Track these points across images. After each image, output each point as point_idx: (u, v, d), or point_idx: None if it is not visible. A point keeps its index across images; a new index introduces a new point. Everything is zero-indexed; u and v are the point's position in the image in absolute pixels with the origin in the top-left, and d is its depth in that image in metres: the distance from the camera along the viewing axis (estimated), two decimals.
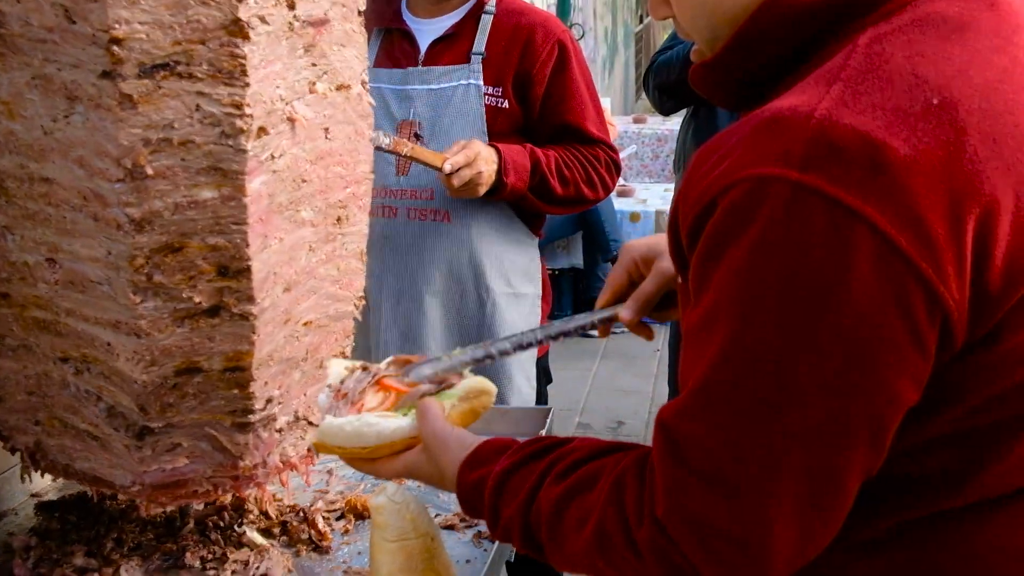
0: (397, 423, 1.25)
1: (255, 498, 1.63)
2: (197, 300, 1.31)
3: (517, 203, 2.49)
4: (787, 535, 0.93)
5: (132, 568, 1.49)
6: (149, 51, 1.21)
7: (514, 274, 2.56)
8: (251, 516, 1.62)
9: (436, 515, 1.58)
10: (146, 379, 1.33)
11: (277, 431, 1.46)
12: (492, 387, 1.30)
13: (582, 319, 1.37)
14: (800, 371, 0.89)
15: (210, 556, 1.52)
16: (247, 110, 1.25)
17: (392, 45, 2.52)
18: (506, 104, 2.44)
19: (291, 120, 1.34)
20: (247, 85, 1.25)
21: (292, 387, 1.47)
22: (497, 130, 2.43)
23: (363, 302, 1.63)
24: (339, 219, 1.51)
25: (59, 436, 1.47)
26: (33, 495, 1.75)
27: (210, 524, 1.58)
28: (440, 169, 2.32)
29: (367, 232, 1.59)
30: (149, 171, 1.23)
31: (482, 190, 2.36)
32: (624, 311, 1.34)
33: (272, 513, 1.63)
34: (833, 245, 0.88)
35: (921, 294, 0.88)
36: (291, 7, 1.32)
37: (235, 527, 1.58)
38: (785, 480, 0.91)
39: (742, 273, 0.91)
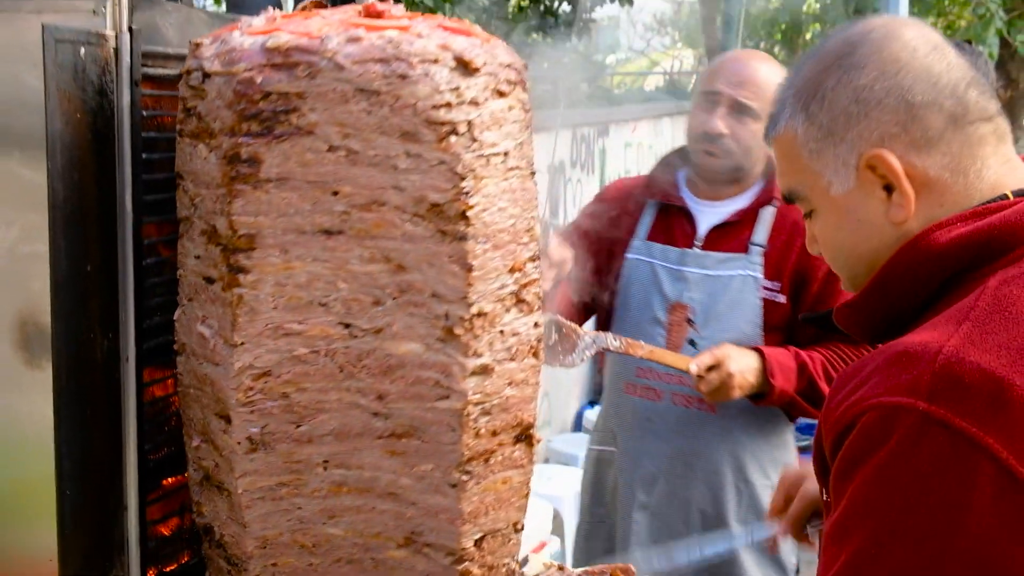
0: None
1: None
2: None
3: (787, 409, 2.40)
4: None
5: None
6: None
7: (772, 466, 2.46)
8: None
9: None
10: None
11: None
12: None
13: (742, 538, 1.87)
14: None
15: None
16: None
17: (669, 221, 2.52)
18: (783, 299, 2.38)
19: None
20: None
21: None
22: (772, 324, 2.37)
23: None
24: None
25: None
26: None
27: None
28: (686, 372, 2.30)
29: None
30: None
31: (736, 393, 2.27)
32: (779, 529, 1.63)
33: None
34: (956, 473, 0.95)
35: None
36: None
37: None
38: None
39: (872, 492, 0.99)
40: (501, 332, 1.48)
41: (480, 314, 1.44)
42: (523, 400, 1.53)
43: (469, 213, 1.40)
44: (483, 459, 1.49)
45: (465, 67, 1.41)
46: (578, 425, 5.87)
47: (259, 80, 1.37)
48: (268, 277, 1.42)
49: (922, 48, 1.16)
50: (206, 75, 1.41)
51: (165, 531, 1.64)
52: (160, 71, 1.52)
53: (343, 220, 1.41)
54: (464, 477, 1.47)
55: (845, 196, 1.16)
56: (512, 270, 1.48)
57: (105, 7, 1.42)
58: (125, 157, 1.46)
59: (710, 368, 2.25)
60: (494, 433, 1.50)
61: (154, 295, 1.54)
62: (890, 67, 1.14)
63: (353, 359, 1.44)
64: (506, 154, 1.45)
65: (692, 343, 2.39)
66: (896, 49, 1.15)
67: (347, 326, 1.44)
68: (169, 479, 1.63)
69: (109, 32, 1.42)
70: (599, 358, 2.48)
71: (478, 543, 1.53)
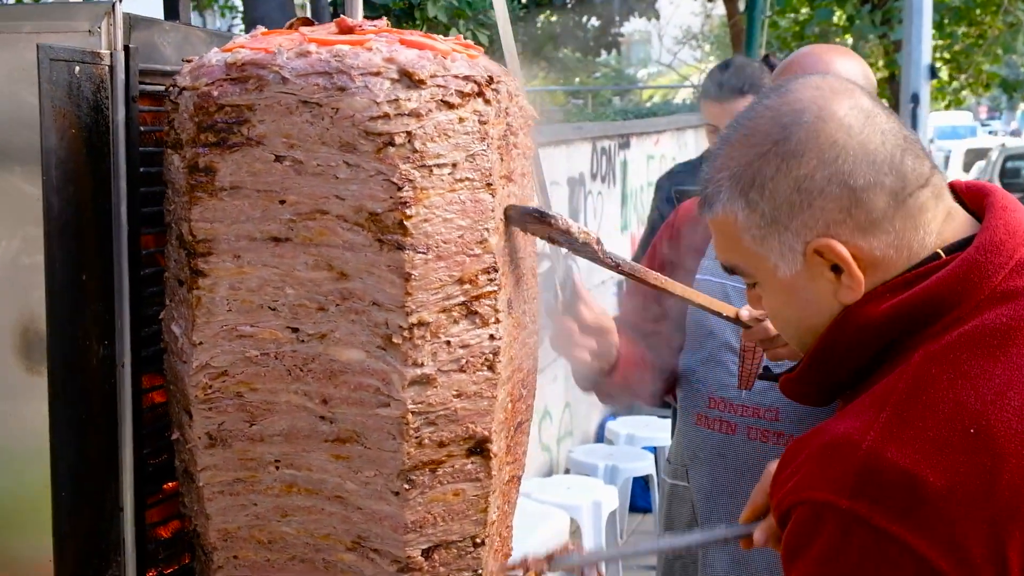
0: None
1: None
2: None
3: None
4: None
5: None
6: None
7: None
8: None
9: None
10: None
11: None
12: None
13: (721, 533, 1.60)
14: None
15: None
16: None
17: None
18: None
19: None
20: None
21: None
22: None
23: None
24: None
25: None
26: None
27: None
28: (734, 320, 1.93)
29: None
30: None
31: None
32: (757, 533, 1.46)
33: None
34: (881, 570, 1.02)
35: None
36: None
37: None
38: None
39: None
40: (447, 343, 1.48)
41: (421, 323, 1.45)
42: (476, 413, 1.52)
43: (407, 223, 1.42)
44: (428, 469, 1.49)
45: (409, 79, 1.43)
46: (600, 436, 5.87)
47: (215, 94, 1.46)
48: (223, 281, 1.49)
49: (856, 123, 1.13)
50: (181, 90, 1.51)
51: (165, 533, 1.72)
52: (158, 88, 1.64)
53: (290, 228, 1.46)
54: (406, 486, 1.48)
55: (792, 278, 1.17)
56: (461, 281, 1.48)
57: (100, 27, 1.54)
58: (120, 171, 1.57)
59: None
60: (441, 444, 1.50)
61: (152, 304, 1.64)
62: (828, 153, 1.12)
63: (300, 362, 1.49)
64: (454, 165, 1.46)
65: (767, 370, 2.25)
66: (832, 131, 1.13)
67: (295, 330, 1.49)
68: (170, 483, 1.71)
69: (104, 51, 1.55)
70: (670, 384, 2.39)
71: (427, 554, 1.53)
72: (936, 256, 1.13)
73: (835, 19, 8.97)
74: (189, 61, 1.56)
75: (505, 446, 1.66)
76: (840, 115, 1.13)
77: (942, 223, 1.16)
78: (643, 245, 4.20)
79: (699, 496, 2.38)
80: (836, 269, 1.14)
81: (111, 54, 1.56)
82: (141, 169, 1.62)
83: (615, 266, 1.66)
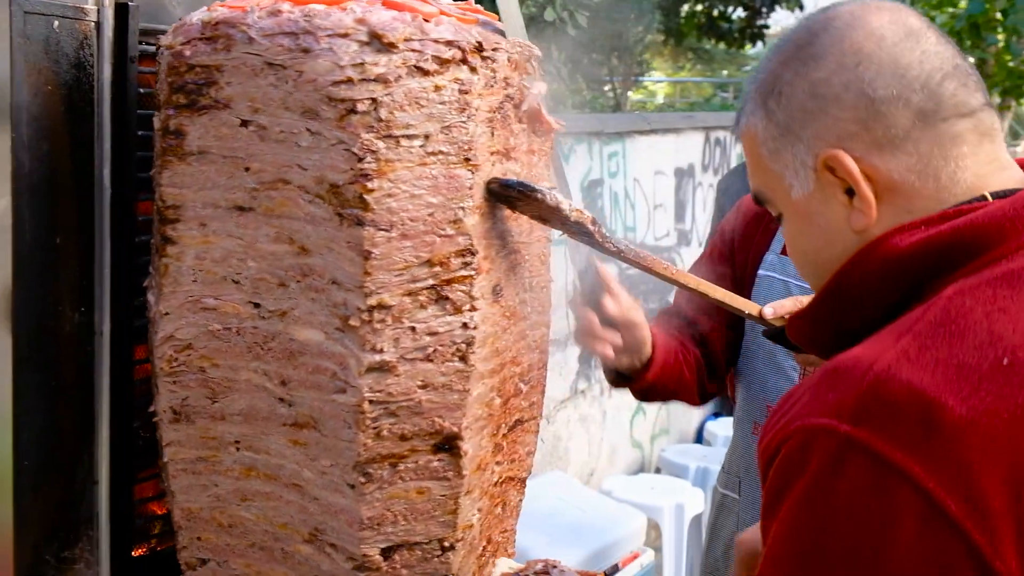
0: None
1: None
2: None
3: None
4: None
5: None
6: None
7: None
8: None
9: None
10: None
11: None
12: None
13: None
14: None
15: None
16: None
17: None
18: None
19: None
20: None
21: None
22: None
23: None
24: None
25: None
26: None
27: None
28: (758, 318, 1.69)
29: None
30: None
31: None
32: None
33: None
34: (877, 506, 0.83)
35: (971, 564, 0.81)
36: None
37: None
38: None
39: (789, 530, 0.88)
40: (412, 329, 1.37)
41: (381, 306, 1.34)
42: (444, 406, 1.40)
43: (368, 197, 1.32)
44: (388, 463, 1.39)
45: (379, 41, 1.32)
46: (699, 437, 5.57)
47: (187, 53, 1.39)
48: (190, 250, 1.43)
49: (891, 36, 1.02)
50: (161, 49, 1.45)
51: (160, 509, 1.67)
52: None
53: (253, 197, 1.38)
54: (362, 479, 1.38)
55: (805, 200, 1.05)
56: (430, 263, 1.36)
57: None
58: (104, 132, 1.53)
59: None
60: (403, 437, 1.39)
61: (148, 273, 1.59)
62: (850, 58, 1.02)
63: (261, 340, 1.41)
64: (427, 137, 1.34)
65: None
66: (859, 38, 1.03)
67: (256, 306, 1.41)
68: None
69: (89, 6, 1.50)
70: (728, 387, 2.21)
71: (387, 554, 1.43)
72: (983, 199, 0.99)
73: (988, 10, 8.36)
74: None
75: (492, 445, 1.54)
76: (874, 25, 1.03)
77: (986, 166, 1.01)
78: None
79: (748, 510, 2.20)
80: (850, 193, 1.02)
81: (98, 10, 1.51)
82: (140, 132, 1.57)
83: (617, 252, 1.51)
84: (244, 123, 1.37)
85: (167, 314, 1.45)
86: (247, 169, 1.38)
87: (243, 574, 1.51)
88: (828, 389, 0.89)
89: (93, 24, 1.51)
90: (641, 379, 1.85)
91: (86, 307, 1.53)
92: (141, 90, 1.57)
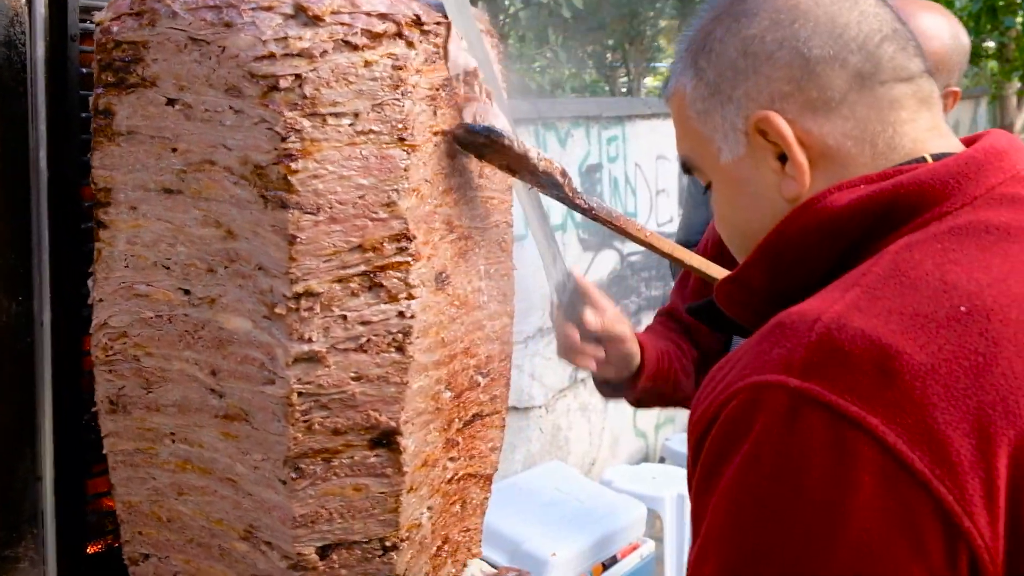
0: None
1: None
2: None
3: None
4: None
5: None
6: None
7: None
8: None
9: None
10: None
11: None
12: None
13: None
14: None
15: None
16: None
17: None
18: None
19: None
20: None
21: None
22: None
23: None
24: None
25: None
26: None
27: None
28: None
29: None
30: None
31: None
32: None
33: None
34: (834, 462, 0.75)
35: (937, 524, 0.74)
36: None
37: None
38: None
39: (734, 495, 0.78)
40: (343, 317, 1.30)
41: (309, 293, 1.28)
42: (381, 400, 1.33)
43: (292, 179, 1.25)
44: (321, 458, 1.33)
45: (305, 14, 1.25)
46: None
47: (115, 29, 1.34)
48: (121, 235, 1.38)
49: None
50: (95, 25, 1.40)
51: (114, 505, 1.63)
52: None
53: (181, 179, 1.32)
54: (294, 474, 1.32)
55: (735, 165, 0.98)
56: (362, 248, 1.29)
57: None
58: (39, 113, 1.49)
59: None
60: (336, 431, 1.32)
61: None
62: (785, 15, 0.96)
63: (191, 328, 1.35)
64: (356, 115, 1.27)
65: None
66: None
67: (187, 292, 1.35)
68: None
69: None
70: None
71: (323, 553, 1.36)
72: (923, 160, 0.92)
73: None
74: None
75: (442, 440, 1.47)
76: None
77: (925, 132, 0.95)
78: None
79: None
80: (783, 159, 0.95)
81: None
82: (84, 114, 1.52)
83: (587, 209, 1.43)
84: (170, 102, 1.31)
85: (101, 300, 1.40)
86: (174, 150, 1.32)
87: (184, 570, 1.46)
88: (772, 345, 0.81)
89: (24, 1, 1.46)
90: (632, 388, 1.75)
91: (24, 296, 1.49)
92: (84, 70, 1.53)
